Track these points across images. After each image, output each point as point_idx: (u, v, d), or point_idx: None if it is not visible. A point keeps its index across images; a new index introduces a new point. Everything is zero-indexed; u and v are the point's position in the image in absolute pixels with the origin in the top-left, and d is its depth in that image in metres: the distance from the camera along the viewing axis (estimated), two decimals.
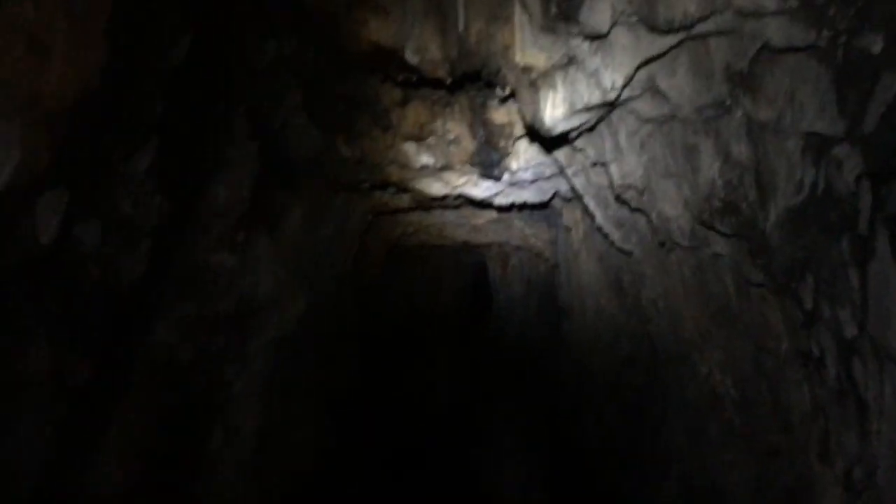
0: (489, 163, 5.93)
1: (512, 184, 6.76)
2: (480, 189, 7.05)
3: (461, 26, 4.34)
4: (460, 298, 15.48)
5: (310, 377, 7.14)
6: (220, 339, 5.27)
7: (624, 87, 3.71)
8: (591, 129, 4.66)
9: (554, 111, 4.07)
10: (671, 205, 4.35)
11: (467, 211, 8.94)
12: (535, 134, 4.66)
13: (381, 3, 4.38)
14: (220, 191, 5.09)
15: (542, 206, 8.21)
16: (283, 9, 4.57)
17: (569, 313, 9.42)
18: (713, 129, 3.67)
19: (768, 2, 2.84)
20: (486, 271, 14.99)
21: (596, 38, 3.58)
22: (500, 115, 5.37)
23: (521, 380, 13.31)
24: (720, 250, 4.01)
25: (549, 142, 5.04)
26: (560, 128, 4.24)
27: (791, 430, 3.59)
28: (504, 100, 5.07)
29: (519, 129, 5.43)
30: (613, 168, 4.86)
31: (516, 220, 9.67)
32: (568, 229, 8.51)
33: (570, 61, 3.87)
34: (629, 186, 4.83)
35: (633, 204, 4.97)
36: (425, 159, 6.00)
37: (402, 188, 6.98)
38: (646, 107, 4.02)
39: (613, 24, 3.42)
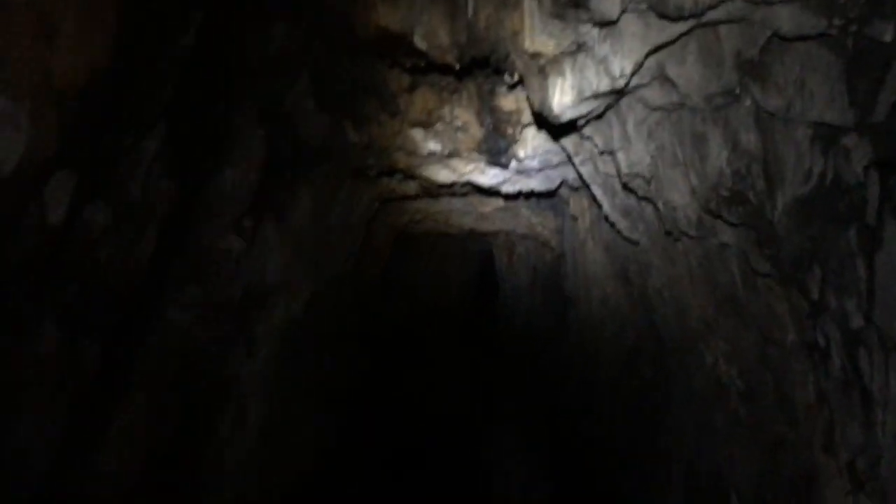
0: (496, 150, 5.92)
1: (519, 172, 6.74)
2: (487, 177, 7.04)
3: (470, 12, 4.32)
4: (467, 288, 15.50)
5: (316, 362, 7.17)
6: (227, 324, 5.29)
7: (633, 74, 3.69)
8: (600, 116, 4.64)
9: (562, 98, 4.06)
10: (679, 194, 4.34)
11: (474, 199, 8.93)
12: (543, 121, 4.64)
13: None
14: (228, 176, 5.09)
15: (549, 194, 8.20)
16: None
17: (575, 302, 9.43)
18: (722, 117, 3.65)
19: None
20: (492, 260, 14.99)
21: (605, 24, 3.56)
22: (508, 102, 5.35)
23: (526, 369, 13.33)
24: (727, 240, 4.00)
25: (556, 129, 5.02)
26: (568, 115, 4.22)
27: (796, 420, 3.59)
28: (512, 87, 5.05)
29: (527, 117, 5.41)
30: (621, 156, 4.85)
31: (523, 208, 9.66)
32: (574, 218, 8.50)
33: (580, 48, 3.85)
34: (637, 175, 4.81)
35: (641, 193, 4.96)
36: (432, 146, 5.99)
37: (409, 175, 6.98)
38: (654, 95, 4.00)
39: (623, 11, 3.40)
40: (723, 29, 3.31)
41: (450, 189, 7.79)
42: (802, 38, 2.88)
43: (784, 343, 3.60)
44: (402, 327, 13.14)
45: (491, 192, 7.87)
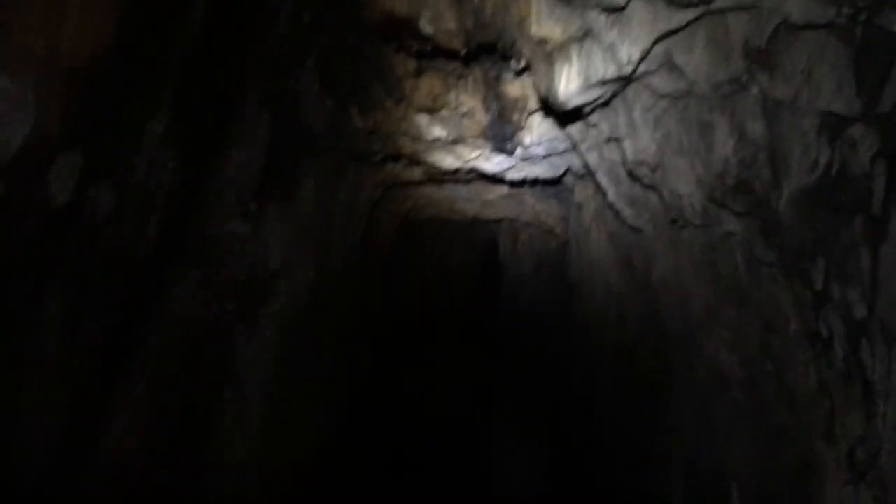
0: (502, 137, 5.90)
1: (524, 159, 6.73)
2: (492, 163, 7.03)
3: None
4: (470, 274, 15.48)
5: (319, 346, 7.18)
6: (231, 306, 5.31)
7: (640, 61, 3.67)
8: (606, 104, 4.62)
9: (568, 85, 4.04)
10: (684, 182, 4.33)
11: (479, 185, 8.92)
12: (549, 108, 4.63)
13: None
14: (234, 159, 5.09)
15: (555, 181, 8.18)
16: None
17: (579, 290, 9.43)
18: (729, 106, 3.63)
19: None
20: (496, 247, 14.97)
21: (613, 10, 3.54)
22: (515, 88, 5.33)
23: (529, 356, 13.33)
24: (732, 229, 3.99)
25: (562, 116, 5.01)
26: (574, 102, 4.21)
27: (796, 410, 3.59)
28: (519, 73, 5.03)
29: (533, 103, 5.40)
30: (627, 144, 4.83)
31: (528, 195, 9.65)
32: (579, 206, 8.48)
33: (587, 34, 3.83)
34: (642, 163, 4.80)
35: (646, 181, 4.95)
36: (438, 132, 5.98)
37: (414, 161, 6.97)
38: (661, 82, 3.98)
39: None
40: (731, 16, 3.29)
41: (454, 175, 7.78)
42: (811, 26, 2.86)
43: (786, 333, 3.60)
44: (406, 313, 13.14)
45: (496, 179, 7.86)
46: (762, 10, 3.04)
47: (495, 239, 14.81)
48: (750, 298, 4.00)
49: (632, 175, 5.11)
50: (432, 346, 13.72)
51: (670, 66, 3.78)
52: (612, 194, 5.91)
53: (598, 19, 3.70)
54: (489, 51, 4.89)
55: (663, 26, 3.43)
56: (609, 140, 5.20)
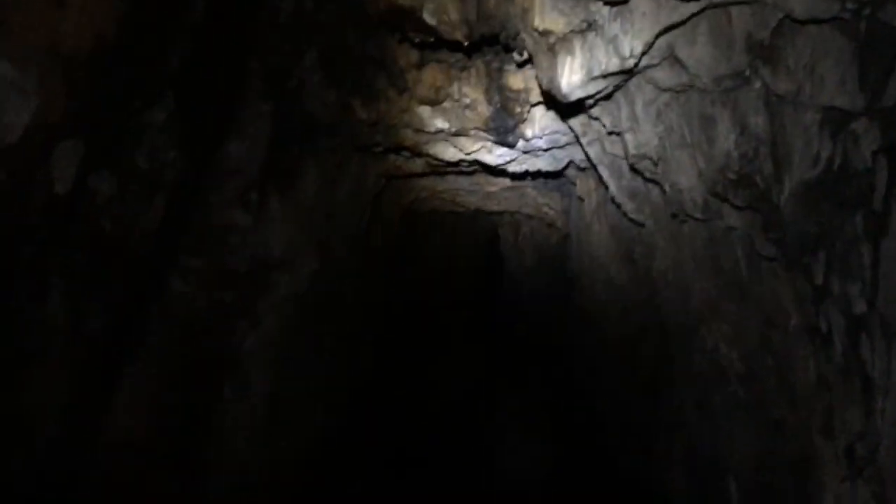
0: (504, 129, 5.89)
1: (526, 151, 6.72)
2: (494, 156, 7.02)
3: None
4: (473, 267, 15.49)
5: (321, 341, 7.19)
6: (231, 296, 5.32)
7: (643, 54, 3.65)
8: (608, 97, 4.61)
9: (571, 77, 4.02)
10: (685, 176, 4.32)
11: (481, 177, 8.92)
12: (552, 101, 4.61)
13: None
14: (235, 149, 5.09)
15: (556, 174, 8.18)
16: None
17: (580, 283, 9.44)
18: (731, 100, 3.62)
19: None
20: (498, 239, 14.98)
21: (616, 3, 3.53)
22: (517, 80, 5.32)
23: (531, 354, 13.35)
24: (733, 223, 3.99)
25: (565, 109, 4.99)
26: (576, 95, 4.19)
27: (795, 404, 3.60)
28: (521, 65, 5.02)
29: (535, 96, 5.38)
30: (629, 137, 4.82)
31: (530, 188, 9.65)
32: (581, 199, 8.48)
33: (590, 27, 3.81)
34: (644, 157, 4.79)
35: (648, 174, 4.94)
36: (440, 123, 5.97)
37: (416, 152, 6.96)
38: (664, 76, 3.97)
39: None
40: (734, 10, 3.28)
41: (456, 167, 7.78)
42: (815, 21, 2.85)
43: (786, 327, 3.60)
44: (408, 305, 13.14)
45: (497, 172, 7.86)
46: (765, 3, 3.03)
47: (497, 231, 14.82)
48: (751, 293, 4.00)
49: (633, 169, 5.10)
50: (435, 341, 13.72)
51: (673, 59, 3.77)
52: (613, 188, 5.90)
53: (601, 11, 3.69)
54: (492, 42, 4.88)
55: (666, 19, 3.41)
56: (611, 133, 5.19)
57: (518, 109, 5.59)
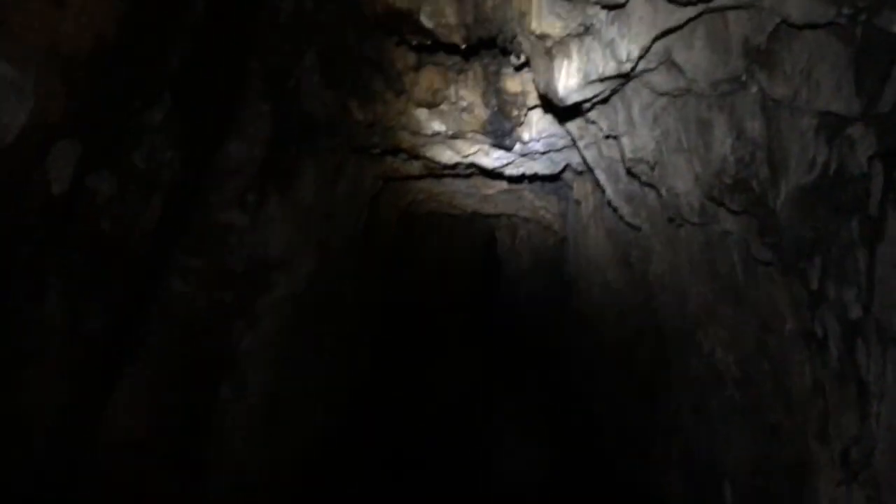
0: (501, 132, 5.90)
1: (523, 154, 6.72)
2: (491, 158, 7.03)
3: None
4: (470, 270, 15.50)
5: (319, 342, 7.19)
6: (229, 296, 5.31)
7: (639, 58, 3.66)
8: (605, 100, 4.61)
9: (568, 81, 4.03)
10: (682, 180, 4.33)
11: (478, 180, 8.93)
12: (549, 104, 4.62)
13: None
14: (233, 149, 5.09)
15: (553, 178, 8.18)
16: None
17: (576, 287, 9.44)
18: (727, 104, 3.63)
19: None
20: (495, 242, 14.99)
21: (613, 7, 3.53)
22: (514, 83, 5.32)
23: (529, 357, 13.34)
24: (729, 227, 3.99)
25: (562, 112, 5.00)
26: (573, 98, 4.20)
27: (791, 409, 3.60)
28: (518, 68, 5.03)
29: (532, 99, 5.39)
30: (625, 141, 4.83)
31: (527, 191, 9.66)
32: (578, 202, 8.49)
33: (587, 30, 3.82)
34: (640, 160, 4.80)
35: (644, 178, 4.95)
36: (437, 126, 5.97)
37: (413, 155, 6.97)
38: (660, 80, 3.97)
39: None
40: (731, 15, 3.28)
41: (453, 170, 7.78)
42: (811, 26, 2.86)
43: (782, 332, 3.61)
44: (406, 307, 13.13)
45: (494, 174, 7.86)
46: (762, 8, 3.04)
47: (494, 234, 14.83)
48: (747, 297, 4.00)
49: (630, 172, 5.11)
50: (432, 343, 13.71)
51: (669, 63, 3.77)
52: (610, 191, 5.91)
53: (598, 15, 3.69)
54: (489, 46, 4.88)
55: (663, 24, 3.41)
56: (608, 137, 5.20)
57: (515, 112, 5.59)
